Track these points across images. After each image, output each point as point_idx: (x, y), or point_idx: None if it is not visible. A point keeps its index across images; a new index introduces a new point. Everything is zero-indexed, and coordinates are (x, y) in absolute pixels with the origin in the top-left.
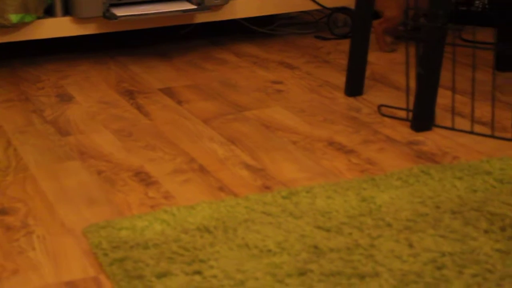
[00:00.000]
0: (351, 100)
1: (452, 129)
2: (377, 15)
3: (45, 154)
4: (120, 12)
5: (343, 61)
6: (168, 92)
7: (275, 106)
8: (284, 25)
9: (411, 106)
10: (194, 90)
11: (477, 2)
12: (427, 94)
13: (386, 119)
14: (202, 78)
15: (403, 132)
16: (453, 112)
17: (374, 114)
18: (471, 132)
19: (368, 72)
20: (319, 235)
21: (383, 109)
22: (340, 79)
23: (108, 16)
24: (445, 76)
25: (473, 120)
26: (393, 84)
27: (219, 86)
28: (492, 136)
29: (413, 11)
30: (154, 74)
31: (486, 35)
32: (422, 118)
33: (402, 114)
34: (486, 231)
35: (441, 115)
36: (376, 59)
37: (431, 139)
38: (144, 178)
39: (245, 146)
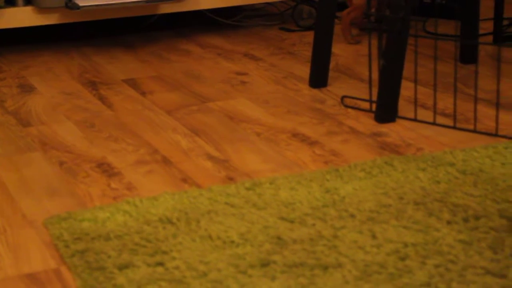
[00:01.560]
0: (315, 91)
1: (415, 120)
2: (343, 6)
3: (5, 145)
4: (83, 2)
5: (308, 53)
6: (132, 83)
7: (239, 97)
8: (249, 17)
9: (374, 98)
10: (158, 81)
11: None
12: (391, 86)
13: (350, 110)
14: (166, 69)
15: (367, 123)
16: (416, 103)
17: (338, 105)
18: (434, 124)
19: (332, 64)
20: (282, 226)
21: (346, 100)
22: (305, 71)
23: (70, 6)
24: (409, 68)
25: (435, 112)
26: (358, 75)
27: (183, 77)
28: (454, 128)
29: (376, 1)
30: (118, 65)
31: (450, 27)
32: (386, 109)
33: (366, 105)
34: (449, 222)
35: (405, 107)
36: (340, 51)
37: (394, 131)
38: (106, 169)
39: (208, 137)
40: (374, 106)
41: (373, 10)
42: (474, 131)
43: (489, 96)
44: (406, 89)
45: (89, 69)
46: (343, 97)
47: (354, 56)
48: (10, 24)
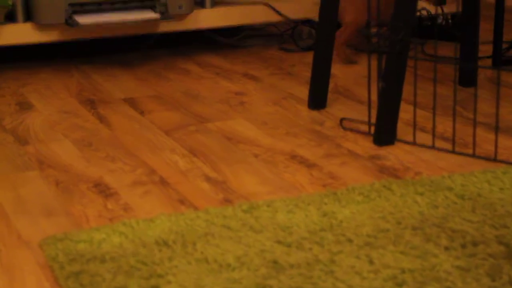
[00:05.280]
0: (314, 113)
1: (414, 144)
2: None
3: (3, 163)
4: (82, 19)
5: (308, 74)
6: (130, 102)
7: (238, 118)
8: (249, 37)
9: (373, 120)
10: (156, 100)
11: (440, 17)
12: (390, 108)
13: (349, 133)
14: (164, 88)
15: (366, 146)
16: (415, 127)
17: (337, 127)
18: (433, 147)
19: (331, 85)
20: (279, 250)
21: (345, 123)
22: (304, 92)
23: (70, 23)
24: (408, 90)
25: (434, 135)
26: (357, 97)
27: (182, 97)
28: (453, 152)
29: (375, 22)
30: (117, 84)
31: (450, 50)
32: (385, 132)
33: (365, 128)
34: (446, 248)
35: (404, 130)
36: (340, 72)
37: (393, 154)
38: (103, 190)
39: (206, 158)
40: (373, 129)
41: (373, 30)
42: (473, 155)
43: (488, 120)
44: (406, 112)
45: (88, 87)
46: (342, 120)
47: (353, 78)
48: (10, 41)
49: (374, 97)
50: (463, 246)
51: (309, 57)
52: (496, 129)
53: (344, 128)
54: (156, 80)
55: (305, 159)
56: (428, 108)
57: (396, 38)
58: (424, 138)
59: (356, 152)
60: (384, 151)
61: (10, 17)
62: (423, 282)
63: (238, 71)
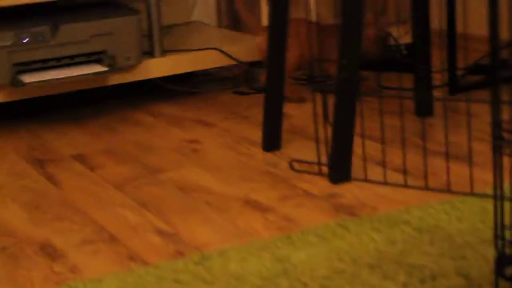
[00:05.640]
0: (268, 155)
1: (366, 181)
2: None
3: None
4: (28, 78)
5: (262, 116)
6: (81, 158)
7: (191, 166)
8: (202, 82)
9: (324, 159)
10: (107, 154)
11: (394, 49)
12: (342, 146)
13: (304, 174)
14: (116, 141)
15: (321, 185)
16: (365, 162)
17: (292, 169)
18: (385, 183)
19: (286, 125)
20: None
21: (296, 165)
22: (258, 134)
23: (15, 83)
24: (366, 125)
25: (385, 170)
26: (312, 136)
27: (134, 149)
28: (406, 186)
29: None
30: (67, 140)
31: (408, 81)
32: (339, 170)
33: (317, 168)
34: (404, 285)
35: (359, 165)
36: (294, 111)
37: (349, 191)
38: (50, 252)
39: (157, 210)
40: (324, 169)
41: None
42: (426, 188)
43: (445, 149)
44: (360, 147)
45: (37, 146)
46: (291, 162)
47: (308, 116)
48: None
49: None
50: (422, 281)
51: (262, 99)
52: (447, 158)
53: (295, 171)
54: (108, 133)
55: (259, 203)
56: (386, 141)
57: (341, 76)
58: (380, 172)
59: (311, 192)
60: (340, 189)
61: None
62: None
63: (191, 118)
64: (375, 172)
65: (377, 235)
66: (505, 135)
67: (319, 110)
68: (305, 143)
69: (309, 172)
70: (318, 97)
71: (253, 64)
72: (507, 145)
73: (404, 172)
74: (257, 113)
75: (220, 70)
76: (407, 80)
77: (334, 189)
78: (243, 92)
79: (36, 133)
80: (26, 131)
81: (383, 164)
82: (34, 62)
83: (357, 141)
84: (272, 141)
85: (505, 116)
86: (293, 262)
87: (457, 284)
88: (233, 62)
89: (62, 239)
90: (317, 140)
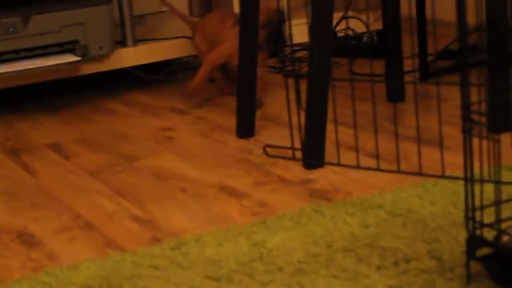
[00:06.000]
0: (243, 142)
1: (339, 165)
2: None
3: None
4: (1, 69)
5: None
6: (55, 147)
7: (166, 154)
8: (176, 71)
9: (298, 144)
10: (82, 143)
11: (366, 35)
12: (315, 131)
13: (278, 159)
14: (91, 130)
15: (296, 171)
16: (338, 147)
17: (266, 155)
18: (358, 167)
19: (260, 112)
20: (209, 285)
21: (269, 150)
22: (232, 122)
23: None
24: (339, 111)
25: (358, 154)
26: (285, 123)
27: (108, 138)
28: (378, 170)
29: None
30: (41, 130)
31: (379, 67)
32: (313, 155)
33: (290, 153)
34: (378, 267)
35: (332, 151)
36: (267, 99)
37: (323, 176)
38: (27, 240)
39: (134, 197)
40: (297, 154)
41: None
42: (398, 171)
43: (417, 134)
44: (333, 132)
45: (12, 136)
46: (265, 147)
47: (281, 103)
48: None
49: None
50: (395, 263)
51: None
52: (419, 142)
53: (269, 156)
54: (82, 123)
55: (234, 189)
56: (358, 127)
57: (312, 61)
58: (353, 157)
59: (286, 178)
60: (314, 174)
61: None
62: None
63: (165, 107)
64: (348, 157)
65: (351, 219)
66: (474, 117)
67: (292, 97)
68: (279, 130)
69: (283, 157)
70: (291, 83)
71: None
72: (476, 127)
73: (377, 156)
74: (231, 101)
75: (194, 59)
76: (379, 66)
77: (308, 174)
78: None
79: (10, 123)
80: (0, 121)
81: (356, 149)
82: (6, 53)
83: (330, 127)
84: (246, 128)
85: (474, 98)
86: (268, 247)
87: (429, 267)
88: None
89: (38, 227)
90: (290, 125)
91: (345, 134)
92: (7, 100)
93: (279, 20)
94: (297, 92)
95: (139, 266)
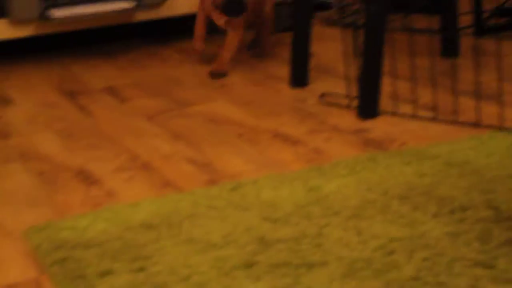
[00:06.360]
0: (296, 91)
1: (397, 114)
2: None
3: None
4: (57, 13)
5: (287, 54)
6: (111, 91)
7: (220, 100)
8: None
9: (354, 93)
10: (137, 88)
11: None
12: (371, 81)
13: (332, 108)
14: (145, 76)
15: (350, 121)
16: (397, 97)
17: (320, 104)
18: (415, 116)
19: (313, 63)
20: (266, 226)
21: (326, 98)
22: (285, 72)
23: (45, 17)
24: (391, 64)
25: (417, 105)
26: (339, 74)
27: (163, 83)
28: (435, 119)
29: None
30: (97, 74)
31: (431, 22)
32: (368, 105)
33: (346, 101)
34: (434, 215)
35: (388, 103)
36: (321, 49)
37: (378, 127)
38: (86, 178)
39: (190, 141)
40: (354, 102)
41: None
42: (455, 122)
43: (472, 88)
44: (389, 85)
45: (68, 78)
46: (322, 94)
47: (335, 55)
48: None
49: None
50: (452, 212)
51: (287, 37)
52: (476, 94)
53: (325, 103)
54: (136, 68)
55: (288, 136)
56: (411, 80)
57: (370, 12)
58: (408, 109)
59: (340, 127)
60: (368, 124)
61: None
62: (413, 250)
63: (218, 54)
64: (403, 109)
65: (406, 168)
66: None
67: (346, 48)
68: (332, 80)
69: (339, 105)
70: (347, 35)
71: (279, 4)
72: None
73: (433, 108)
74: (282, 51)
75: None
76: (431, 23)
77: (362, 124)
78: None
79: (66, 66)
80: (57, 64)
81: (410, 101)
82: None
83: (385, 80)
84: (299, 77)
85: None
86: (324, 192)
87: (486, 216)
88: None
89: (97, 166)
90: (347, 75)
91: (400, 87)
92: (64, 44)
93: None
94: (356, 41)
95: (198, 206)
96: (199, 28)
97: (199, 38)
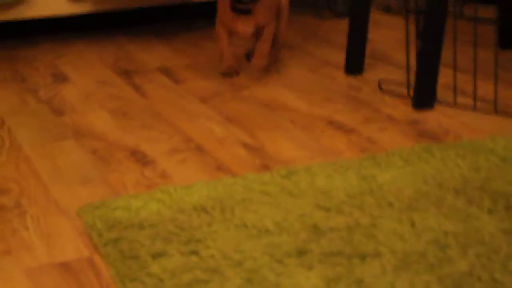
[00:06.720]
0: (351, 79)
1: (455, 106)
2: None
3: (39, 133)
4: None
5: (343, 40)
6: (165, 71)
7: (275, 85)
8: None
9: (412, 84)
10: (192, 69)
11: None
12: (429, 70)
13: (387, 98)
14: (200, 57)
15: (405, 111)
16: (456, 89)
17: (375, 92)
18: (474, 109)
19: (368, 51)
20: (318, 214)
21: (384, 85)
22: (340, 58)
23: None
24: (447, 54)
25: (475, 98)
26: (395, 62)
27: (217, 66)
28: (495, 113)
29: None
30: (152, 54)
31: (488, 13)
32: (424, 95)
33: (404, 90)
34: (490, 211)
35: (443, 94)
36: (377, 37)
37: (433, 118)
38: (140, 158)
39: (243, 125)
40: (412, 92)
41: None
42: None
43: None
44: (444, 76)
45: (123, 57)
46: (380, 81)
47: (391, 43)
48: (43, 12)
49: (414, 61)
50: (507, 208)
51: (343, 24)
52: None
53: (382, 90)
54: (191, 49)
55: (343, 124)
56: (468, 71)
57: None
58: (464, 101)
59: (394, 117)
60: (423, 115)
61: None
62: (467, 245)
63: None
64: (459, 101)
65: (462, 161)
66: None
67: (404, 37)
68: (388, 69)
69: (394, 94)
70: (403, 22)
71: None
72: None
73: (490, 101)
74: (338, 37)
75: None
76: (485, 12)
77: (417, 115)
78: (324, 16)
79: (122, 45)
80: (112, 43)
81: (467, 93)
82: None
83: (440, 70)
84: (355, 65)
85: None
86: (378, 182)
87: None
88: None
89: (151, 146)
90: (407, 62)
91: (456, 78)
92: (119, 23)
93: None
94: (419, 28)
95: (250, 190)
96: (225, 46)
97: (229, 58)
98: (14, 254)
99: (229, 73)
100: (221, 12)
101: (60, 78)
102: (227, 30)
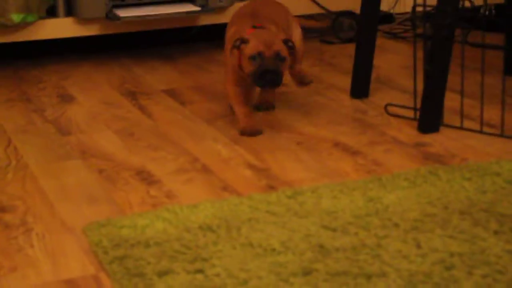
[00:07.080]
0: (356, 102)
1: (461, 128)
2: (386, 18)
3: (45, 153)
4: (123, 13)
5: (348, 65)
6: (171, 93)
7: (280, 107)
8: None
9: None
10: (197, 91)
11: (483, 7)
12: (435, 94)
13: (392, 121)
14: (205, 79)
15: (410, 133)
16: (462, 112)
17: (380, 115)
18: (480, 132)
19: (374, 75)
20: (324, 234)
21: (390, 109)
22: (346, 82)
23: (111, 17)
24: (452, 79)
25: (482, 122)
26: (400, 87)
27: (223, 88)
28: (501, 135)
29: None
30: (157, 76)
31: (493, 40)
32: (430, 118)
33: (410, 113)
34: (496, 232)
35: (449, 118)
36: (382, 62)
37: (438, 141)
38: (146, 177)
39: (249, 146)
40: (418, 115)
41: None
42: None
43: None
44: (450, 101)
45: (129, 79)
46: (386, 105)
47: (396, 68)
48: (51, 35)
49: (420, 86)
50: None
51: (349, 48)
52: None
53: (389, 114)
54: (197, 72)
55: (348, 146)
56: (473, 96)
57: (442, 22)
58: (470, 125)
59: (400, 139)
60: (428, 138)
61: (51, 12)
62: (473, 266)
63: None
64: (465, 125)
65: (467, 183)
66: None
67: (410, 62)
68: (393, 93)
69: (399, 117)
70: (407, 48)
71: (341, 14)
72: None
73: (496, 126)
74: (343, 62)
75: (307, 19)
76: (491, 39)
77: (423, 138)
78: (330, 41)
79: (127, 67)
80: (118, 64)
81: (473, 117)
82: None
83: (446, 94)
84: (360, 88)
85: None
86: (384, 203)
87: None
88: (322, 11)
89: (156, 166)
90: (414, 83)
91: (460, 102)
92: (125, 45)
93: None
94: (426, 52)
95: (256, 210)
96: (241, 105)
97: (246, 115)
98: (19, 271)
99: (251, 133)
100: (233, 76)
101: (67, 98)
102: (242, 90)
